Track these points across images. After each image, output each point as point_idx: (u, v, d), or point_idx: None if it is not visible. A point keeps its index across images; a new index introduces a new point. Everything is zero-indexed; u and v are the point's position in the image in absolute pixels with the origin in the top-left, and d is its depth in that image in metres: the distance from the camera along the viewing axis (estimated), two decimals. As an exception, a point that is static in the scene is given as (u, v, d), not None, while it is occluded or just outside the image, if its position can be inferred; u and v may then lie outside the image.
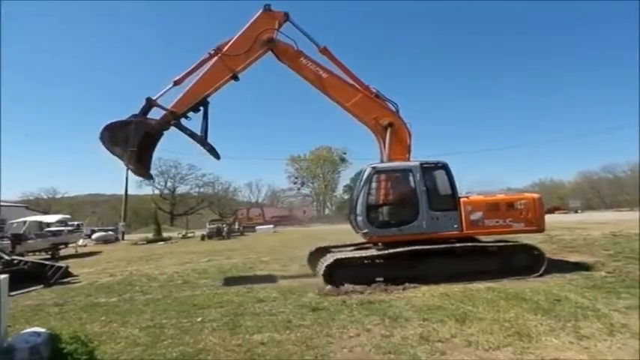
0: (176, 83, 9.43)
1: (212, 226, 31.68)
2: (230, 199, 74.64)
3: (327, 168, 76.57)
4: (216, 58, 9.25)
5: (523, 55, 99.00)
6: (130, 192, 46.09)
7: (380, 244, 8.80)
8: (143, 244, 28.39)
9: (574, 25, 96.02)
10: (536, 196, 8.80)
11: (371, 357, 4.31)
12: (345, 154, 76.21)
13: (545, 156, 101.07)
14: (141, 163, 9.30)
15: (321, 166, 75.88)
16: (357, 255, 8.40)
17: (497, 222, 8.39)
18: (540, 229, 8.60)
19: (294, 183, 79.72)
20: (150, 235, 33.55)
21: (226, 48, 9.23)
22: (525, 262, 8.24)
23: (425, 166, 8.54)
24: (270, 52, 9.48)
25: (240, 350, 4.70)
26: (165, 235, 33.80)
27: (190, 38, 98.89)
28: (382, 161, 9.34)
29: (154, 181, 59.59)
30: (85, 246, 26.97)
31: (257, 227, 39.48)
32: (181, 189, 71.49)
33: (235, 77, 9.29)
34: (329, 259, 8.20)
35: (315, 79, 9.50)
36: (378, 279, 7.91)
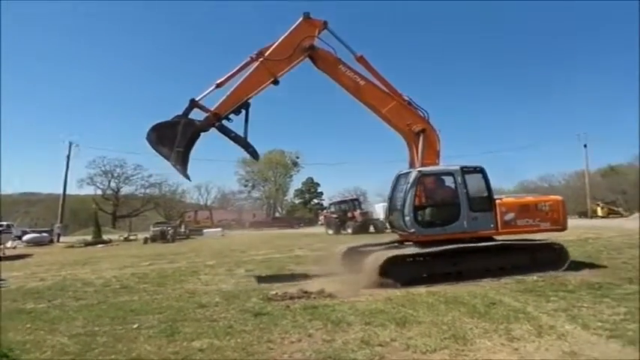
0: (218, 86, 9.55)
1: (156, 228, 30.49)
2: (178, 202, 72.28)
3: (279, 171, 76.17)
4: (258, 62, 9.41)
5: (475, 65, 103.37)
6: (69, 191, 43.71)
7: (411, 242, 9.33)
8: (80, 246, 26.83)
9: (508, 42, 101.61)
10: (560, 198, 9.75)
11: (311, 362, 4.29)
12: (297, 157, 76.36)
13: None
14: (184, 164, 9.25)
15: (273, 169, 75.38)
16: (409, 252, 8.73)
17: (527, 222, 9.14)
18: (564, 228, 9.43)
19: (245, 186, 78.84)
20: (88, 238, 31.83)
21: (268, 53, 9.41)
22: (550, 258, 8.97)
23: (465, 169, 9.11)
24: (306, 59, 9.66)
25: (176, 358, 4.53)
26: (105, 237, 32.10)
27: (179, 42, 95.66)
28: (410, 166, 9.83)
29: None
30: (14, 248, 25.23)
31: (205, 230, 38.48)
32: (126, 189, 68.11)
33: (276, 82, 9.39)
34: (380, 256, 8.41)
35: (353, 86, 9.82)
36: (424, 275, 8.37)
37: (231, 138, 9.39)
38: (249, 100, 9.35)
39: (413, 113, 10.00)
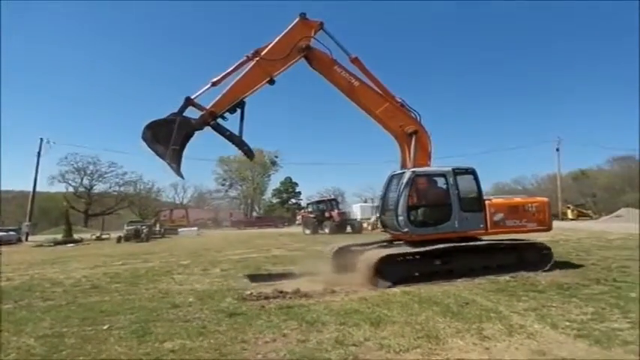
0: (214, 84, 9.47)
1: (130, 227, 29.88)
2: (153, 200, 70.85)
3: (257, 170, 75.53)
4: (254, 61, 9.39)
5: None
6: (39, 189, 42.38)
7: (402, 241, 9.51)
8: (50, 245, 26.12)
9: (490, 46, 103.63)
10: (545, 200, 10.09)
11: (285, 363, 4.26)
12: (276, 157, 75.99)
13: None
14: (178, 163, 9.12)
15: (251, 168, 74.75)
16: (402, 251, 8.83)
17: (515, 222, 9.45)
18: (549, 228, 9.80)
19: (222, 185, 78.04)
20: (59, 237, 30.97)
21: (264, 52, 9.41)
22: (536, 258, 9.23)
23: (457, 171, 9.31)
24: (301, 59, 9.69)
25: (147, 359, 4.44)
26: (76, 236, 31.32)
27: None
28: (402, 167, 9.98)
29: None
30: (-21, 247, 24.32)
31: (180, 230, 38.02)
32: (99, 187, 66.40)
33: (272, 81, 9.39)
34: (375, 255, 8.48)
35: (347, 87, 9.90)
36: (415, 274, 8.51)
37: (226, 137, 9.35)
38: (245, 99, 9.34)
39: (405, 115, 10.13)
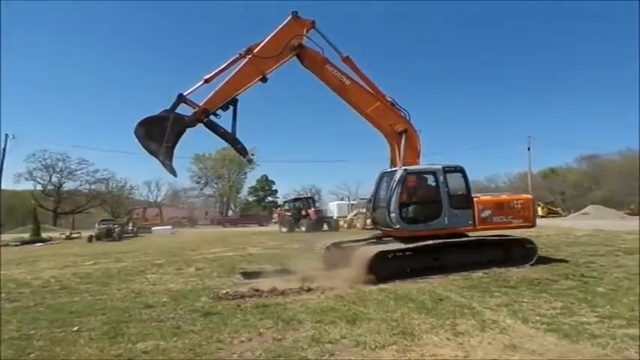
0: (207, 81, 9.40)
1: (102, 226, 29.06)
2: (125, 198, 69.36)
3: (233, 168, 74.84)
4: (247, 59, 9.38)
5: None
6: (4, 187, 40.95)
7: (391, 237, 9.68)
8: (17, 245, 25.20)
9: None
10: (530, 197, 10.48)
11: (260, 361, 4.22)
12: (252, 155, 75.27)
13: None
14: (171, 160, 9.04)
15: (227, 166, 73.99)
16: (395, 248, 8.98)
17: (501, 219, 9.72)
18: (534, 224, 10.18)
19: (198, 183, 76.99)
20: (26, 236, 29.96)
21: (257, 50, 9.40)
22: (522, 253, 9.52)
23: (446, 169, 9.54)
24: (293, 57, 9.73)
25: (119, 361, 4.33)
26: (45, 235, 30.33)
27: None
28: (391, 165, 10.19)
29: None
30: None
31: (154, 228, 37.32)
32: (69, 185, 64.45)
33: (264, 79, 9.45)
34: (369, 251, 8.61)
35: (339, 85, 10.01)
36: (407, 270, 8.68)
37: (219, 134, 9.34)
38: (237, 97, 9.34)
39: (396, 114, 10.28)
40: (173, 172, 9.18)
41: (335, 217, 35.79)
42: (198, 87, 9.39)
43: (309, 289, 7.54)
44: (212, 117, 9.23)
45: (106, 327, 5.58)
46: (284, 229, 30.46)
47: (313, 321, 5.51)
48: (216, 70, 9.50)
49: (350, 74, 10.06)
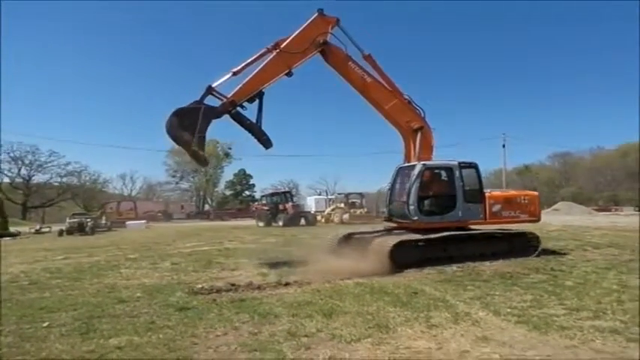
0: (235, 74, 9.66)
1: (74, 220, 28.35)
2: (99, 192, 67.79)
3: (210, 162, 73.85)
4: (274, 53, 9.69)
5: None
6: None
7: (403, 229, 10.02)
8: (-17, 240, 24.39)
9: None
10: (536, 193, 11.17)
11: (236, 356, 4.20)
12: (230, 149, 74.51)
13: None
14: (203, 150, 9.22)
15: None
16: (415, 238, 9.31)
17: (510, 213, 10.34)
18: (539, 219, 10.80)
19: (173, 176, 75.78)
20: (-7, 230, 28.97)
21: (284, 45, 9.73)
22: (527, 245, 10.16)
23: (462, 164, 9.98)
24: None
25: (91, 357, 4.24)
26: (13, 229, 29.41)
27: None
28: (405, 160, 10.77)
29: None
30: None
31: (128, 223, 36.61)
32: (39, 178, 62.62)
33: (290, 73, 9.76)
34: (390, 240, 8.95)
35: (360, 82, 10.44)
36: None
37: (245, 126, 9.60)
38: (263, 90, 9.60)
39: (412, 111, 10.79)
40: (205, 162, 9.46)
41: (313, 212, 35.83)
42: (226, 79, 9.58)
43: (286, 284, 7.54)
44: (238, 109, 9.44)
45: (77, 322, 5.46)
46: (261, 224, 30.36)
47: (289, 315, 5.51)
48: (244, 64, 9.74)
49: (371, 72, 10.45)
